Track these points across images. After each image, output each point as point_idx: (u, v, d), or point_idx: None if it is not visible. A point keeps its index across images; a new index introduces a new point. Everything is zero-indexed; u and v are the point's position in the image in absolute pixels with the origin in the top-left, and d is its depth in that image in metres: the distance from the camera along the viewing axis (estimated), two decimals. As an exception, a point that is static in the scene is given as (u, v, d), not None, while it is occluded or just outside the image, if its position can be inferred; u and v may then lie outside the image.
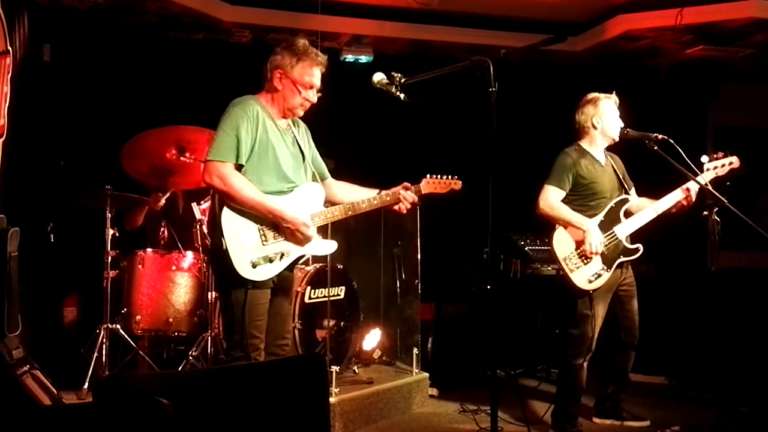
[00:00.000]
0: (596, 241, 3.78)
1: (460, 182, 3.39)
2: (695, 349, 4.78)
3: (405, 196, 3.20)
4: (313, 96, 3.10)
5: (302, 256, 3.13)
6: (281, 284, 3.13)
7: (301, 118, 3.27)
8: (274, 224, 3.01)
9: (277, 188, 3.05)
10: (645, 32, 5.45)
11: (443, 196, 3.44)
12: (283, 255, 3.01)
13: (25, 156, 4.55)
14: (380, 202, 3.20)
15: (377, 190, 3.24)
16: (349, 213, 3.18)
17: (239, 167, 2.96)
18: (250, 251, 2.94)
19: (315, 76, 3.08)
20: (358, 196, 3.25)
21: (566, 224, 3.86)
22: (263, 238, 2.99)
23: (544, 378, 5.25)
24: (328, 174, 3.36)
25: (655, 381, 5.16)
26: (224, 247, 2.91)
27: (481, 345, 5.14)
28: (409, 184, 3.24)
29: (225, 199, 2.95)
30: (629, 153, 4.12)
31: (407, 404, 4.45)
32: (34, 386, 3.35)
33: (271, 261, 2.97)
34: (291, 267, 3.13)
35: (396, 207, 3.23)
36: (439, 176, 3.34)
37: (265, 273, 2.97)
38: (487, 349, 4.81)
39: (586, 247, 3.78)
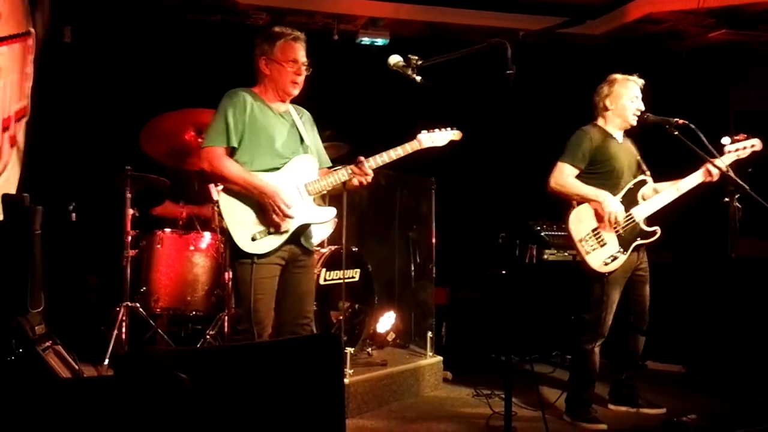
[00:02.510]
0: (615, 209, 3.75)
1: (459, 132, 3.37)
2: (713, 338, 4.75)
3: (354, 169, 3.18)
4: (301, 69, 3.18)
5: (306, 226, 3.18)
6: (294, 262, 3.21)
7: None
8: None
9: (270, 165, 3.15)
10: (666, 15, 5.37)
11: (458, 182, 3.42)
12: (281, 226, 3.09)
13: (47, 136, 4.60)
14: (346, 175, 3.22)
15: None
16: (334, 183, 3.23)
17: (232, 150, 3.11)
18: (248, 227, 3.07)
19: (296, 50, 3.17)
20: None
21: (581, 199, 3.82)
22: (260, 213, 3.09)
23: (558, 364, 5.25)
24: (325, 163, 3.41)
25: (673, 369, 5.13)
26: (225, 225, 3.07)
27: (495, 330, 5.14)
28: (362, 158, 3.21)
29: (217, 181, 3.14)
30: (649, 137, 4.08)
31: (420, 387, 4.47)
32: (56, 361, 3.41)
33: (269, 233, 3.07)
34: (297, 241, 3.18)
35: (354, 182, 3.22)
36: (436, 129, 3.33)
37: (266, 246, 3.08)
38: (502, 334, 4.82)
39: (605, 217, 3.74)
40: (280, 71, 3.17)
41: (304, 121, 3.33)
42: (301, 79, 3.20)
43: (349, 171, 3.19)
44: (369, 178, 3.20)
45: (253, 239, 3.05)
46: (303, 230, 3.20)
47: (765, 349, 4.45)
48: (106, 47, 5.28)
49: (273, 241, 3.09)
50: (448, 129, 3.35)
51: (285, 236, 3.12)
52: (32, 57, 4.10)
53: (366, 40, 5.76)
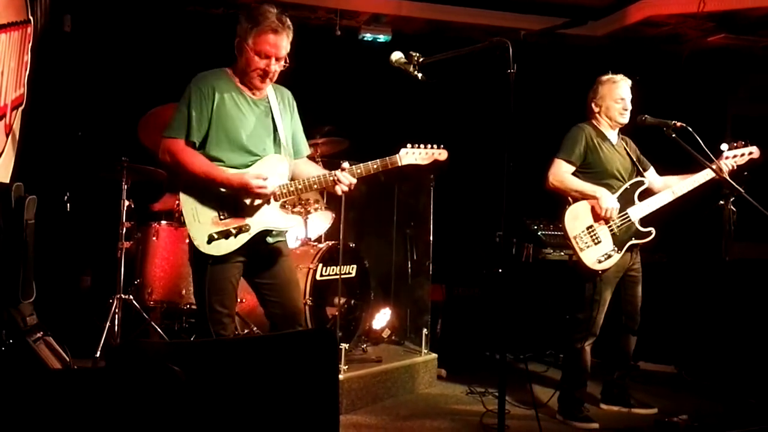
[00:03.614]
0: (611, 205, 3.77)
1: (446, 152, 3.12)
2: (706, 339, 4.77)
3: (339, 178, 2.98)
4: (271, 65, 2.93)
5: (268, 232, 3.03)
6: (263, 257, 3.06)
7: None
8: (233, 198, 2.96)
9: (238, 162, 2.98)
10: (666, 18, 5.39)
11: (455, 176, 3.37)
12: (241, 229, 2.95)
13: (44, 125, 4.58)
14: (320, 184, 3.03)
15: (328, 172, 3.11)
16: (304, 190, 3.04)
17: (194, 144, 2.94)
18: (207, 226, 2.93)
19: (271, 43, 2.91)
20: (313, 173, 3.14)
21: (579, 195, 3.84)
22: (221, 212, 2.95)
23: (552, 363, 5.26)
24: (304, 152, 3.24)
25: (665, 370, 5.15)
26: (184, 222, 2.95)
27: (490, 328, 5.15)
28: (347, 166, 3.02)
29: (179, 174, 2.95)
30: (647, 138, 4.09)
31: (415, 384, 4.47)
32: (47, 353, 3.40)
33: (227, 236, 2.93)
34: (262, 241, 3.03)
35: (334, 188, 3.03)
36: (421, 146, 3.07)
37: (223, 248, 2.93)
38: (497, 332, 4.84)
39: (601, 212, 3.76)
40: (248, 62, 2.94)
41: (283, 105, 3.12)
42: (272, 75, 2.97)
43: (331, 179, 3.00)
44: (351, 187, 3.01)
45: (210, 240, 2.91)
46: (266, 234, 3.03)
47: (757, 351, 4.48)
48: (106, 37, 5.26)
49: (230, 244, 2.94)
50: (434, 147, 3.10)
51: (244, 239, 2.96)
52: (31, 45, 4.08)
53: (368, 36, 5.76)
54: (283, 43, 2.93)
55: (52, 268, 4.57)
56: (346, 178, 2.99)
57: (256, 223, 2.99)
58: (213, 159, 2.95)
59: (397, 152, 3.07)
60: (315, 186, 3.02)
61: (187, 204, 2.95)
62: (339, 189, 3.01)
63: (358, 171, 3.01)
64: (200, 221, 2.94)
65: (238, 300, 4.20)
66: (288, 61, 2.99)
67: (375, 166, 3.03)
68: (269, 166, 3.02)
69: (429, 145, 3.09)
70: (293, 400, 1.98)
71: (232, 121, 2.96)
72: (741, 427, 3.57)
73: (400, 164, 3.05)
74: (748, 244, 5.18)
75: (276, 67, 2.96)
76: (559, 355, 5.23)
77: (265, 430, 1.90)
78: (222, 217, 2.95)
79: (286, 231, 3.10)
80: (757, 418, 3.82)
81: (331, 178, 3.00)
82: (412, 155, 3.07)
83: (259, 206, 2.99)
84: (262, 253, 3.07)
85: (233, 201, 2.97)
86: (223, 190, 2.94)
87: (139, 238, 4.56)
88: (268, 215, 3.01)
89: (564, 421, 3.88)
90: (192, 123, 2.92)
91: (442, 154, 3.12)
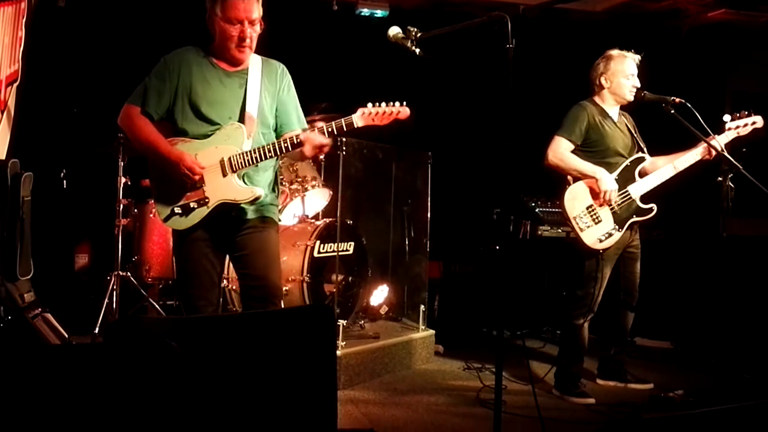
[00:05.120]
0: (610, 187, 3.76)
1: (407, 109, 2.82)
2: (702, 315, 4.80)
3: (304, 138, 2.79)
4: (245, 30, 2.83)
5: (228, 204, 2.87)
6: (232, 231, 2.93)
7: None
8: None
9: (199, 131, 2.89)
10: (667, -7, 5.34)
11: (454, 156, 3.33)
12: (200, 203, 2.86)
13: (39, 101, 4.55)
14: (279, 149, 2.84)
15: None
16: (260, 159, 2.84)
17: (150, 116, 2.88)
18: (170, 200, 2.88)
19: (240, 7, 2.81)
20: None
21: (578, 174, 3.83)
22: (182, 186, 2.86)
23: (548, 339, 5.29)
24: (295, 126, 3.05)
25: (661, 345, 5.19)
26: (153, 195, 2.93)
27: (487, 305, 5.17)
28: (317, 125, 2.82)
29: (131, 140, 2.95)
30: (646, 114, 4.07)
31: (412, 360, 4.50)
32: (45, 329, 3.41)
33: (186, 211, 2.86)
34: (228, 216, 2.90)
35: (305, 152, 2.85)
36: (381, 104, 2.81)
37: (183, 223, 2.87)
38: (494, 309, 4.86)
39: (600, 194, 3.75)
40: (224, 33, 2.84)
41: (270, 78, 2.99)
42: (248, 41, 2.86)
43: (297, 141, 2.79)
44: (324, 148, 2.84)
45: (171, 214, 2.86)
46: (228, 207, 2.88)
47: (752, 327, 4.50)
48: (101, 12, 5.19)
49: (190, 219, 2.86)
50: (394, 105, 2.82)
51: (203, 213, 2.86)
52: (25, 21, 4.03)
53: (365, 11, 5.69)
54: (251, 6, 2.84)
55: (49, 245, 4.57)
56: (313, 138, 2.78)
57: (214, 196, 2.86)
58: (180, 131, 2.90)
59: (353, 113, 2.82)
60: (270, 153, 2.82)
61: (153, 174, 2.93)
62: (308, 151, 2.82)
63: (294, 140, 2.82)
64: (163, 195, 2.90)
65: (219, 284, 4.20)
66: (263, 24, 2.89)
67: (330, 129, 2.80)
68: (226, 134, 2.89)
69: (389, 103, 2.83)
70: (292, 376, 1.99)
71: (195, 92, 2.89)
72: (736, 402, 3.60)
73: (356, 125, 2.80)
74: (746, 220, 5.19)
75: (251, 32, 2.86)
76: (556, 332, 5.26)
77: (263, 405, 1.91)
78: (183, 191, 2.87)
79: (247, 202, 2.90)
80: (752, 394, 3.86)
81: (297, 141, 2.78)
82: (368, 116, 2.80)
83: (218, 178, 2.86)
84: (229, 226, 2.94)
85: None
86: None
87: (137, 215, 4.56)
88: (226, 187, 2.86)
89: (560, 396, 3.91)
90: (149, 93, 2.88)
91: (402, 112, 2.83)
